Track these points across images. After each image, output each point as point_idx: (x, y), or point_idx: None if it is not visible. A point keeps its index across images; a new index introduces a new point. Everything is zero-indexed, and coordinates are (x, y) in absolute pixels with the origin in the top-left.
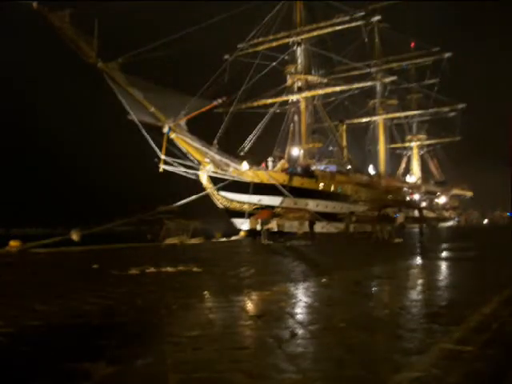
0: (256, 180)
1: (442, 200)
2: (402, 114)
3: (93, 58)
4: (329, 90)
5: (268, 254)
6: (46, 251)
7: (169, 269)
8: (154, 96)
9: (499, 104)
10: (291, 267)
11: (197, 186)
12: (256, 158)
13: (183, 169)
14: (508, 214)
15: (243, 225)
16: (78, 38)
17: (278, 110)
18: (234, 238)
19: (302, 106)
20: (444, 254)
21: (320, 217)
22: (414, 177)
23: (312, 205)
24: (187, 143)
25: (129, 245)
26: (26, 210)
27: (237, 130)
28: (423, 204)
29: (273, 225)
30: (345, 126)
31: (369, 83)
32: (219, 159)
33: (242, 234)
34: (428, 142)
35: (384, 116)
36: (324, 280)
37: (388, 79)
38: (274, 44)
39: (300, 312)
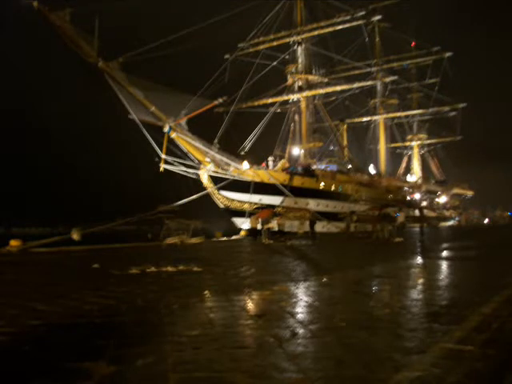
0: (256, 179)
1: (442, 199)
2: (403, 114)
3: (93, 58)
4: (329, 89)
5: (268, 253)
6: (47, 250)
7: (169, 268)
8: (154, 95)
9: (499, 103)
10: (292, 267)
11: (197, 185)
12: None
13: (184, 168)
14: (509, 213)
15: (244, 224)
16: (78, 38)
17: (278, 110)
18: (234, 237)
19: (303, 105)
20: (444, 253)
21: (321, 216)
22: (415, 176)
23: (313, 204)
24: (188, 143)
25: (129, 244)
26: (26, 210)
27: (237, 130)
28: (424, 203)
29: (273, 224)
30: (345, 126)
31: (369, 82)
32: (220, 159)
33: (242, 233)
34: (428, 142)
35: (384, 115)
36: (324, 279)
37: (388, 78)
38: (275, 43)
39: (300, 311)
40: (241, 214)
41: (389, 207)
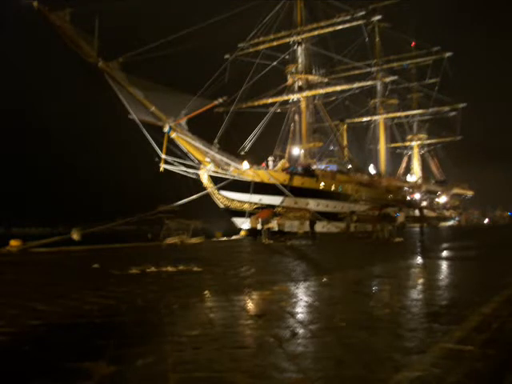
0: (256, 179)
1: (442, 199)
2: (403, 114)
3: (93, 58)
4: (329, 89)
5: (268, 253)
6: (47, 250)
7: (169, 268)
8: (154, 95)
9: (499, 103)
10: (292, 267)
11: (197, 185)
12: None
13: (184, 168)
14: (509, 213)
15: (244, 224)
16: (78, 38)
17: (278, 110)
18: (234, 237)
19: (303, 105)
20: (444, 253)
21: (321, 216)
22: (415, 176)
23: (313, 204)
24: (188, 143)
25: (129, 244)
26: (26, 210)
27: (237, 130)
28: (424, 203)
29: (273, 224)
30: (345, 126)
31: (369, 82)
32: (220, 159)
33: (242, 233)
34: (428, 142)
35: (384, 115)
36: (324, 279)
37: (389, 78)
38: (275, 43)
39: (300, 311)
40: (241, 213)
41: (389, 207)
